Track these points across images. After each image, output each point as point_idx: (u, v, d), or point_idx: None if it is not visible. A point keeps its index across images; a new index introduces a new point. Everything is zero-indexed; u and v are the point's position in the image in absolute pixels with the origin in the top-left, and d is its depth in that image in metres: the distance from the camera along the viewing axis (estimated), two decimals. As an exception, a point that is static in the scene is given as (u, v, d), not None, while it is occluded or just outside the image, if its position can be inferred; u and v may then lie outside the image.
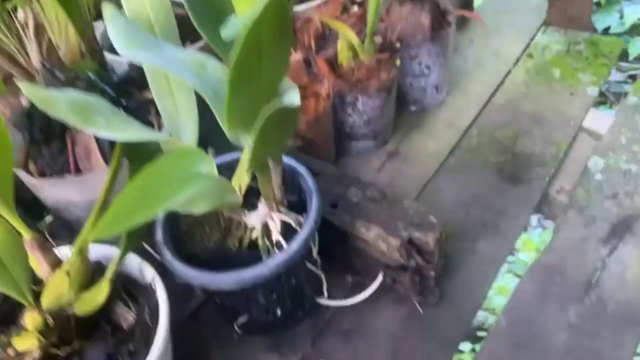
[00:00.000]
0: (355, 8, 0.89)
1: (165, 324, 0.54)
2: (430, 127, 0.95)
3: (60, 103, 0.50)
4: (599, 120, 0.94)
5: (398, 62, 0.83)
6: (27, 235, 0.53)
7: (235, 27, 0.53)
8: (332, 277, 0.73)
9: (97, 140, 0.67)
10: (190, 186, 0.44)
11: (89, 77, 0.67)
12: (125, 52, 0.46)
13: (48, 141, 0.68)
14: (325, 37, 0.87)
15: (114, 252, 0.58)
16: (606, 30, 1.84)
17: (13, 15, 0.67)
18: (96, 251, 0.62)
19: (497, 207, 0.81)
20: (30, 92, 0.43)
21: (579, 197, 0.82)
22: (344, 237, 0.70)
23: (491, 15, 1.15)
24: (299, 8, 0.92)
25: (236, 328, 0.67)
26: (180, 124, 0.58)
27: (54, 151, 0.67)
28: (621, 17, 1.92)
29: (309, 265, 0.67)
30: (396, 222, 0.68)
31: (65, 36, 0.68)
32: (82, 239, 0.54)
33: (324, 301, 0.72)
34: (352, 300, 0.71)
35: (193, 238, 0.65)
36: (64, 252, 0.58)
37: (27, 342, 0.51)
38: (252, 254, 0.63)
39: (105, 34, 0.83)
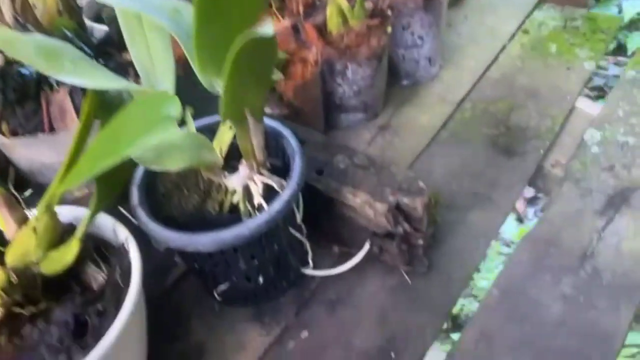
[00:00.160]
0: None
1: (137, 284, 0.51)
2: (423, 101, 0.93)
3: (25, 45, 0.48)
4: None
5: (389, 29, 0.81)
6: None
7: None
8: (318, 247, 0.71)
9: (73, 100, 0.65)
10: (158, 129, 0.41)
11: (65, 35, 0.64)
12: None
13: (22, 101, 0.65)
14: (315, 4, 0.84)
15: (86, 213, 0.56)
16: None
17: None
18: (67, 213, 0.60)
19: (489, 179, 0.79)
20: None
21: (574, 169, 0.79)
22: (329, 204, 0.68)
23: (486, -8, 1.13)
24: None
25: (216, 296, 0.64)
26: (156, 77, 0.55)
27: (28, 111, 0.65)
28: (619, 11, 1.90)
29: (293, 232, 0.64)
30: (383, 187, 0.65)
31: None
32: (50, 193, 0.51)
33: (309, 271, 0.70)
34: (338, 269, 0.68)
35: (171, 201, 0.62)
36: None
37: (-13, 298, 0.49)
38: (232, 217, 0.61)
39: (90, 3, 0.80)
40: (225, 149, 0.62)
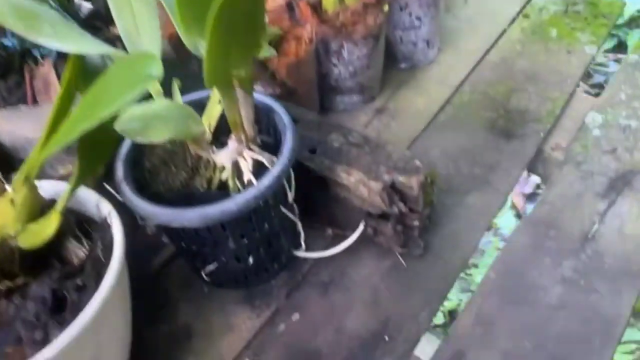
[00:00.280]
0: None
1: (119, 258, 0.49)
2: (420, 84, 0.91)
3: (1, 6, 0.45)
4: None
5: (386, 7, 0.79)
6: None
7: None
8: (311, 229, 0.69)
9: (57, 73, 0.62)
10: (138, 88, 0.39)
11: (49, 4, 0.62)
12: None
13: (4, 75, 0.64)
14: (310, -17, 0.82)
15: (67, 187, 0.53)
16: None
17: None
18: (50, 188, 0.57)
19: (488, 162, 0.77)
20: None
21: (575, 152, 0.77)
22: (323, 184, 0.65)
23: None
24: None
25: (205, 277, 0.62)
26: (142, 46, 0.53)
27: (11, 85, 0.63)
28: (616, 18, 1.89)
29: (285, 211, 0.62)
30: (378, 166, 0.63)
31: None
32: (30, 162, 0.49)
33: (302, 253, 0.68)
34: (331, 251, 0.66)
35: (157, 178, 0.60)
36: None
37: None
38: (220, 194, 0.58)
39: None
40: (214, 123, 0.60)
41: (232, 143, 0.57)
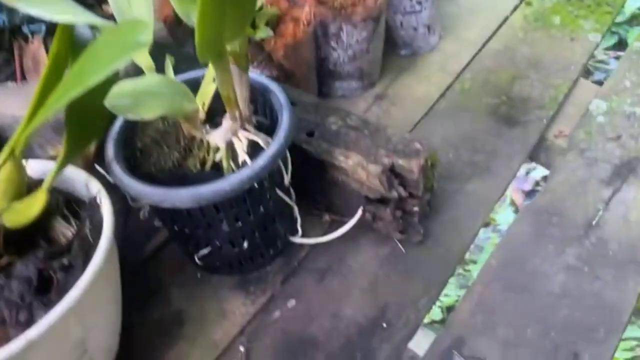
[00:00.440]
0: None
1: (108, 238, 0.47)
2: (421, 71, 0.89)
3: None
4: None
5: (386, -10, 0.77)
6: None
7: None
8: (308, 215, 0.67)
9: (47, 50, 0.60)
10: (126, 54, 0.37)
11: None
12: None
13: (-7, 52, 0.61)
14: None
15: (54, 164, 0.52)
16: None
17: None
18: (38, 167, 0.55)
19: (489, 149, 0.75)
20: None
21: (579, 139, 0.75)
22: (320, 168, 0.64)
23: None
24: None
25: (197, 261, 0.60)
26: (133, 17, 0.51)
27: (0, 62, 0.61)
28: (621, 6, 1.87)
29: (280, 194, 0.60)
30: (378, 149, 0.62)
31: None
32: (16, 137, 0.47)
33: (298, 239, 0.66)
34: (329, 237, 0.64)
35: (149, 158, 0.58)
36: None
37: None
38: (214, 175, 0.57)
39: None
40: (207, 102, 0.58)
41: (226, 122, 0.56)
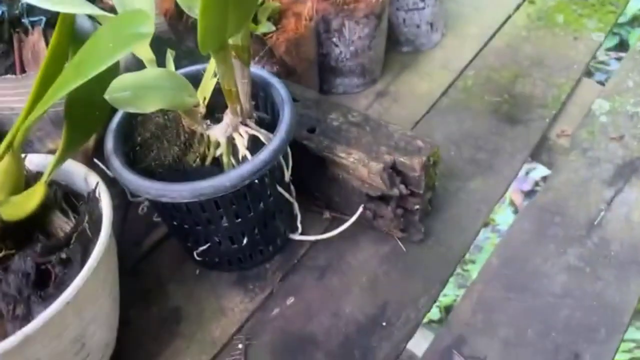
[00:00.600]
0: None
1: (106, 233, 0.47)
2: (423, 68, 0.88)
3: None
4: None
5: (389, -14, 0.76)
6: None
7: None
8: (308, 212, 0.67)
9: (47, 41, 0.60)
10: (127, 45, 0.37)
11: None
12: None
13: (-8, 44, 0.61)
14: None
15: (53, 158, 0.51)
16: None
17: None
18: (38, 161, 0.55)
19: (491, 147, 0.74)
20: None
21: (581, 138, 0.75)
22: (321, 165, 0.63)
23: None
24: None
25: (196, 257, 0.60)
26: (134, 7, 0.50)
27: (-1, 54, 0.60)
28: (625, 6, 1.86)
29: (281, 190, 0.60)
30: (379, 146, 0.61)
31: None
32: (14, 129, 0.46)
33: (298, 236, 0.65)
34: (329, 234, 0.64)
35: (149, 152, 0.58)
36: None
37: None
38: (214, 170, 0.56)
39: None
40: (208, 97, 0.57)
41: (227, 117, 0.55)
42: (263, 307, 0.60)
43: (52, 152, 0.66)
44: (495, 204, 0.68)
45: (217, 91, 0.55)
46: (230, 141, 0.56)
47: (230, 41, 0.49)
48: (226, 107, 0.54)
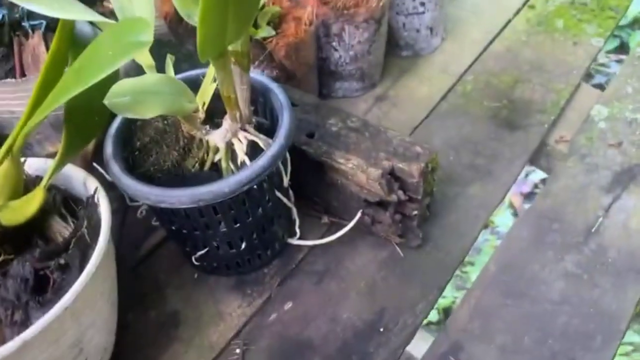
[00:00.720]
0: None
1: (105, 238, 0.47)
2: (423, 72, 0.88)
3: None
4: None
5: (389, -9, 0.76)
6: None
7: None
8: (306, 216, 0.67)
9: (47, 45, 0.60)
10: (127, 54, 0.37)
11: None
12: None
13: (-8, 47, 0.61)
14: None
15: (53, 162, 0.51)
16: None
17: None
18: (37, 165, 0.55)
19: (490, 153, 0.75)
20: None
21: (579, 144, 0.75)
22: (320, 170, 0.63)
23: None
24: None
25: (194, 261, 0.60)
26: (134, 13, 0.50)
27: (-1, 57, 0.60)
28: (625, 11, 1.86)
29: (279, 195, 0.60)
30: (378, 152, 0.61)
31: None
32: (14, 135, 0.46)
33: (296, 241, 0.65)
34: (327, 239, 0.64)
35: (148, 157, 0.58)
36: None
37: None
38: (213, 175, 0.57)
39: None
40: (207, 102, 0.57)
41: (226, 122, 0.55)
42: (261, 312, 0.60)
43: (51, 154, 0.66)
44: (493, 210, 0.69)
45: (217, 96, 0.55)
46: (229, 146, 0.56)
47: (230, 47, 0.49)
48: (225, 111, 0.55)
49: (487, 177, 0.71)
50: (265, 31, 0.68)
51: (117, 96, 0.45)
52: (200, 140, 0.57)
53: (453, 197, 0.70)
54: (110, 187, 0.54)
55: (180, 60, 0.66)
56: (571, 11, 0.97)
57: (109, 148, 0.55)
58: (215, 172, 0.57)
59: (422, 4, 0.84)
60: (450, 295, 1.40)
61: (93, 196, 0.50)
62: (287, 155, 0.58)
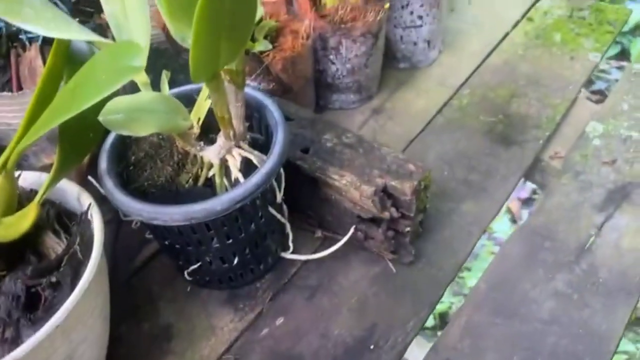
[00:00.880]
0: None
1: (97, 255, 0.47)
2: (420, 85, 0.89)
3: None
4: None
5: (387, 5, 0.76)
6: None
7: None
8: (300, 231, 0.67)
9: (44, 58, 0.60)
10: (120, 79, 0.37)
11: (37, -12, 0.60)
12: None
13: (-11, 59, 0.61)
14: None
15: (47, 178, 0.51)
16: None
17: None
18: (32, 179, 0.56)
19: (485, 168, 0.75)
20: None
21: (574, 161, 0.75)
22: (314, 185, 0.64)
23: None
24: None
25: (186, 276, 0.60)
26: (130, 32, 0.51)
27: (-5, 70, 0.60)
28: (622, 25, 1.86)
29: (273, 211, 0.60)
30: (372, 169, 0.61)
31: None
32: (8, 151, 0.47)
33: (289, 255, 0.66)
34: (320, 254, 0.64)
35: (142, 172, 0.58)
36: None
37: None
38: (206, 192, 0.57)
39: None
40: (202, 117, 0.58)
41: (220, 140, 0.55)
42: (252, 327, 0.60)
43: (47, 166, 0.66)
44: (487, 226, 0.69)
45: (212, 111, 0.56)
46: (223, 163, 0.56)
47: (225, 67, 0.49)
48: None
49: (481, 194, 0.72)
50: (262, 45, 0.68)
51: (111, 113, 0.46)
52: (195, 156, 0.57)
53: (447, 212, 0.70)
54: (104, 200, 0.55)
55: (177, 71, 0.67)
56: (569, 25, 0.98)
57: (103, 163, 0.55)
58: (209, 187, 0.57)
59: (420, 17, 0.84)
60: (447, 301, 1.40)
61: (86, 212, 0.50)
62: (281, 171, 0.58)
